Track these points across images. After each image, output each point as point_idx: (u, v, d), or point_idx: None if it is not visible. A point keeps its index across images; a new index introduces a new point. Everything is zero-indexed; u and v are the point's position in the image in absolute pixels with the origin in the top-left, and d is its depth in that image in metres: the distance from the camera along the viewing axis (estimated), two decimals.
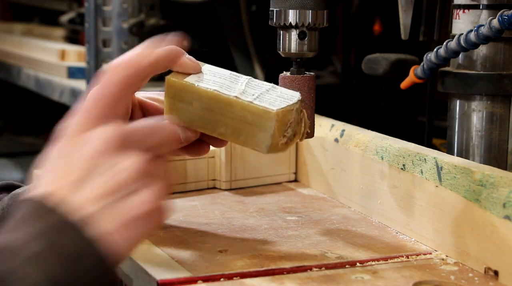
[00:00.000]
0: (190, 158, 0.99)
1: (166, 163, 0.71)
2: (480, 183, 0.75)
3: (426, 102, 1.15)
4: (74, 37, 2.15)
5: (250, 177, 1.05)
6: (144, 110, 0.81)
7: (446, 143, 0.98)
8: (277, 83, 0.85)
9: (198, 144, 0.79)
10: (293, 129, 0.75)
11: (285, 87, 0.84)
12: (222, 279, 0.72)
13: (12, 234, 0.62)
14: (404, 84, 0.99)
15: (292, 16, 0.83)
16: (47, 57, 1.94)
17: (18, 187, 0.86)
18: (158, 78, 0.87)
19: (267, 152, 0.74)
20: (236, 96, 0.74)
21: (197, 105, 0.76)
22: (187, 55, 0.76)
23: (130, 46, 1.53)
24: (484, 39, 0.87)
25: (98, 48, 1.54)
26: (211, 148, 1.03)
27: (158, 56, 0.73)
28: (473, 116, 0.94)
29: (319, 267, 0.75)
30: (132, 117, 0.78)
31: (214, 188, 1.04)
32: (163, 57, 0.73)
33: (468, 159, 0.93)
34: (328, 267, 0.75)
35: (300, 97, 0.75)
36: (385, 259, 0.78)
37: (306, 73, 0.85)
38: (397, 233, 0.86)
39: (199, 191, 1.03)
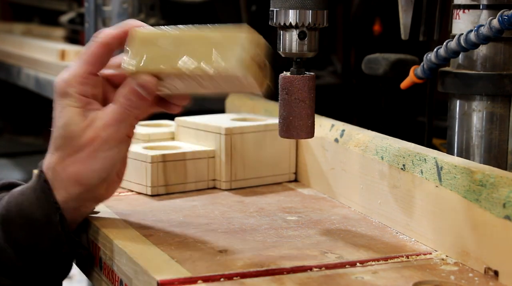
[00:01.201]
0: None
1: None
2: (480, 183, 0.75)
3: (426, 102, 1.15)
4: (74, 37, 2.15)
5: (250, 177, 1.05)
6: (113, 84, 0.85)
7: (446, 142, 0.98)
8: (277, 84, 0.85)
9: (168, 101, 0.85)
10: (260, 60, 0.78)
11: (285, 87, 0.84)
12: (222, 279, 0.72)
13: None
14: (404, 84, 0.99)
15: (292, 16, 0.83)
16: (47, 57, 1.94)
17: (18, 185, 0.87)
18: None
19: (239, 66, 0.76)
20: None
21: (164, 43, 0.79)
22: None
23: None
24: (484, 39, 0.87)
25: None
26: (211, 148, 1.04)
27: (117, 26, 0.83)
28: (473, 116, 0.94)
29: (319, 267, 0.75)
30: (105, 96, 0.85)
31: (214, 188, 1.04)
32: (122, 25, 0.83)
33: (468, 159, 0.93)
34: (328, 267, 0.75)
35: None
36: (385, 259, 0.78)
37: (306, 73, 0.85)
38: (397, 233, 0.86)
39: (199, 191, 1.03)
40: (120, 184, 0.87)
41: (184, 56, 0.78)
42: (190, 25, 0.80)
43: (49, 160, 0.83)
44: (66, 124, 0.81)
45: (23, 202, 0.81)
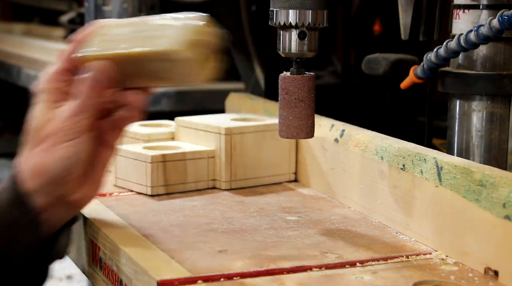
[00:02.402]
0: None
1: None
2: (480, 183, 0.75)
3: (426, 102, 1.15)
4: None
5: (250, 177, 1.05)
6: None
7: (446, 142, 0.98)
8: (277, 84, 0.85)
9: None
10: (208, 49, 0.78)
11: (285, 87, 0.84)
12: (222, 279, 0.72)
13: None
14: (404, 84, 0.99)
15: (292, 16, 0.83)
16: (47, 57, 1.94)
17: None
18: None
19: (183, 46, 0.77)
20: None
21: (118, 31, 0.82)
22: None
23: None
24: (484, 39, 0.87)
25: None
26: (211, 148, 1.03)
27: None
28: (473, 116, 0.94)
29: (319, 267, 0.75)
30: None
31: (214, 188, 1.04)
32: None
33: (468, 159, 0.93)
34: (328, 267, 0.75)
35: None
36: (385, 259, 0.78)
37: (306, 73, 0.85)
38: (397, 233, 0.86)
39: (199, 191, 1.03)
40: (98, 189, 0.84)
41: (134, 40, 0.80)
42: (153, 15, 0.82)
43: (20, 156, 0.83)
44: (32, 118, 0.82)
45: None
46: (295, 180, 1.09)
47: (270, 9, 0.84)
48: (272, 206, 0.96)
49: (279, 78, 0.85)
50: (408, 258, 0.78)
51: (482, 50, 0.93)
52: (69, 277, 2.31)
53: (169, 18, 0.80)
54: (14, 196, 0.79)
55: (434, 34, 1.06)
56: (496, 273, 0.72)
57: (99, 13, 1.52)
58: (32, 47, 2.09)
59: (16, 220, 0.79)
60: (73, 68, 0.84)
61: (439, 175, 0.80)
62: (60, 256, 0.83)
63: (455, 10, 0.94)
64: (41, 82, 0.83)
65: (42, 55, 1.98)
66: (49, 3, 2.42)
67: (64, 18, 2.15)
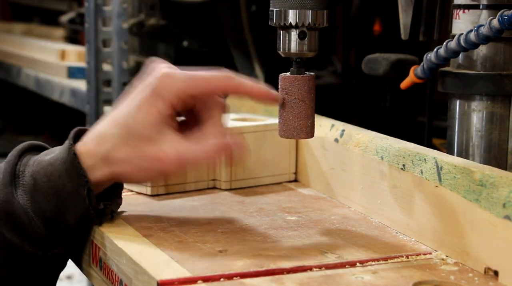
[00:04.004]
0: None
1: None
2: (480, 183, 0.75)
3: (426, 102, 1.15)
4: (74, 37, 2.15)
5: (250, 177, 1.05)
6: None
7: (446, 142, 0.98)
8: (277, 84, 0.85)
9: None
10: None
11: (285, 87, 0.84)
12: (222, 279, 0.72)
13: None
14: (404, 84, 0.99)
15: (292, 16, 0.83)
16: (47, 57, 1.94)
17: (39, 146, 0.86)
18: None
19: None
20: None
21: None
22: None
23: (130, 46, 1.53)
24: (484, 39, 0.87)
25: (98, 48, 1.54)
26: None
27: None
28: (473, 116, 0.94)
29: (319, 267, 0.75)
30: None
31: (214, 188, 1.04)
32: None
33: (468, 159, 0.93)
34: (328, 267, 0.75)
35: None
36: (385, 259, 0.78)
37: (306, 73, 0.85)
38: (397, 233, 0.86)
39: (199, 191, 1.03)
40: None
41: None
42: None
43: (101, 135, 0.82)
44: (138, 122, 0.81)
45: (52, 173, 0.81)
46: (295, 180, 1.09)
47: (270, 9, 0.84)
48: (272, 206, 0.96)
49: (279, 78, 0.85)
50: (408, 258, 0.78)
51: (482, 50, 0.93)
52: (69, 277, 2.31)
53: None
54: (71, 167, 0.80)
55: (434, 34, 1.06)
56: (496, 273, 0.72)
57: (99, 13, 1.52)
58: (32, 47, 2.10)
59: (73, 190, 0.81)
60: (199, 96, 0.82)
61: (439, 175, 0.80)
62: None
63: (455, 10, 0.94)
64: (165, 87, 0.80)
65: (42, 55, 1.98)
66: (49, 3, 2.43)
67: (64, 18, 2.15)
